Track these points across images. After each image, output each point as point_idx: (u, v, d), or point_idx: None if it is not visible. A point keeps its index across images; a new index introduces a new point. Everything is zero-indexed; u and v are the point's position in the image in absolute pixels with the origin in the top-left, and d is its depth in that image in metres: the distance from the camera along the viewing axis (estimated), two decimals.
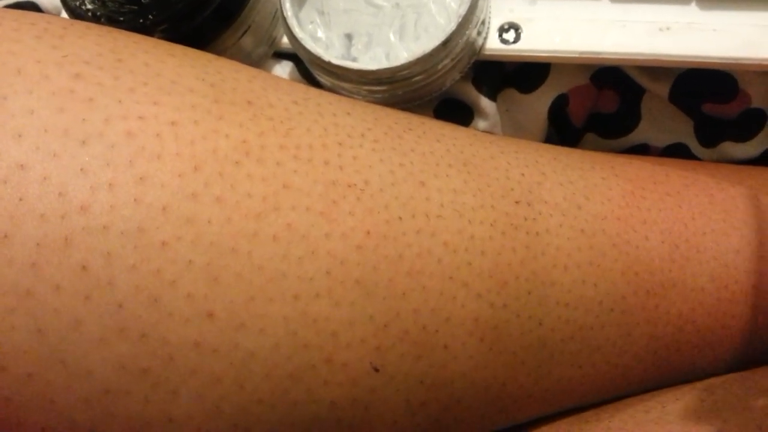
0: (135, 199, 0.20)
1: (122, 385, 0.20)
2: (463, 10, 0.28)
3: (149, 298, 0.20)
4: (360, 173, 0.24)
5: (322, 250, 0.22)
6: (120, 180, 0.20)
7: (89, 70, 0.22)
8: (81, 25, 0.24)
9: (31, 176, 0.20)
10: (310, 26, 0.30)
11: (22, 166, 0.20)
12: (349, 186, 0.23)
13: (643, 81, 0.32)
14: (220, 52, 0.29)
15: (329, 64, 0.28)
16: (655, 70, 0.32)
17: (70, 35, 0.23)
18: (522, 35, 0.30)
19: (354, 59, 0.30)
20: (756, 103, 0.32)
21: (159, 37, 0.27)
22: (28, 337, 0.20)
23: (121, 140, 0.21)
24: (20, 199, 0.20)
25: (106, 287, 0.20)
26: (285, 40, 0.32)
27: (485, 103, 0.32)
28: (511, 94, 0.33)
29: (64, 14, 0.31)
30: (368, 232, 0.23)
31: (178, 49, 0.25)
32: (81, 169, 0.20)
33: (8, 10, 0.24)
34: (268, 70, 0.32)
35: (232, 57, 0.28)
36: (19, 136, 0.20)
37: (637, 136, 0.34)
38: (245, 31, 0.30)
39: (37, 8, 0.35)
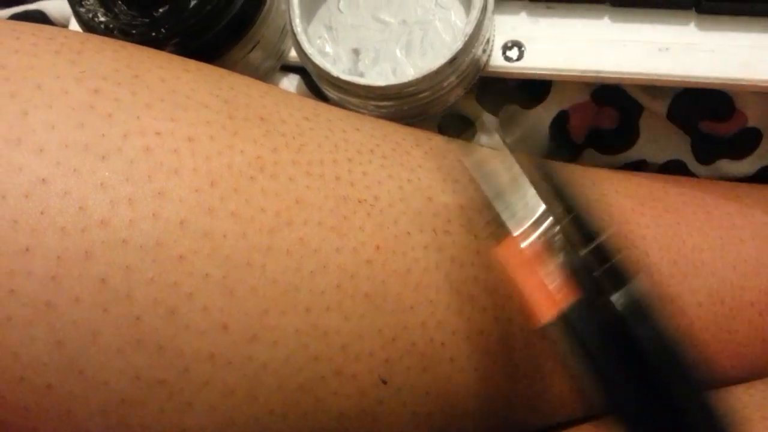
0: (153, 214, 0.21)
1: (138, 396, 0.21)
2: (469, 29, 0.28)
3: (166, 310, 0.21)
4: (370, 189, 0.24)
5: (333, 264, 0.23)
6: (139, 195, 0.21)
7: (107, 85, 0.22)
8: (97, 40, 0.25)
9: (53, 190, 0.20)
10: (318, 41, 0.31)
11: (43, 180, 0.20)
12: (360, 201, 0.24)
13: (642, 99, 0.33)
14: (229, 66, 0.29)
15: (337, 79, 0.29)
16: (654, 88, 0.33)
17: (88, 50, 0.24)
18: (525, 53, 0.31)
19: (361, 74, 0.30)
20: (752, 122, 0.32)
21: (170, 51, 0.28)
22: (47, 348, 0.20)
23: (140, 156, 0.21)
24: (42, 213, 0.20)
25: (124, 300, 0.20)
26: (293, 53, 0.32)
27: (488, 118, 0.32)
28: (514, 109, 0.33)
29: (73, 25, 0.31)
30: (378, 247, 0.24)
31: (192, 65, 0.26)
32: (101, 184, 0.21)
33: (26, 24, 0.24)
34: (275, 83, 0.33)
35: (241, 70, 0.29)
36: (41, 150, 0.21)
37: (635, 153, 0.34)
38: (255, 46, 0.30)
39: (45, 18, 0.35)
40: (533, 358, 0.26)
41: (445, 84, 0.29)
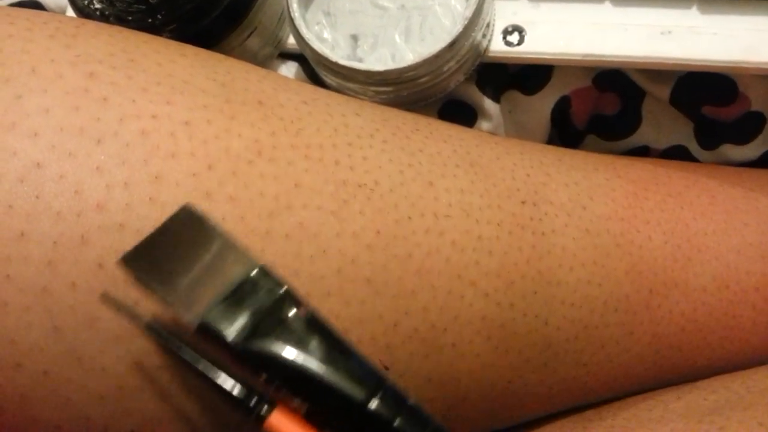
0: (150, 198, 0.21)
1: (137, 382, 0.20)
2: (469, 13, 0.28)
3: None
4: (370, 173, 0.24)
5: (333, 249, 0.23)
6: (135, 179, 0.21)
7: (103, 69, 0.22)
8: (92, 25, 0.25)
9: (48, 174, 0.20)
10: (317, 27, 0.31)
11: (38, 164, 0.20)
12: (360, 186, 0.24)
13: (644, 83, 0.33)
14: (226, 53, 0.29)
15: (336, 64, 0.28)
16: (656, 72, 0.32)
17: (83, 34, 0.23)
18: (526, 38, 0.31)
19: (360, 60, 0.30)
20: (755, 106, 0.32)
21: (167, 37, 0.27)
22: (44, 334, 0.20)
23: (136, 139, 0.21)
24: (37, 197, 0.20)
25: (121, 284, 0.20)
26: (290, 41, 0.32)
27: (489, 104, 0.32)
28: (515, 95, 0.33)
29: (70, 13, 0.31)
30: (378, 232, 0.23)
31: (189, 50, 0.25)
32: (97, 168, 0.20)
33: (20, 10, 0.24)
34: (273, 70, 0.33)
35: (238, 57, 0.28)
36: (35, 134, 0.20)
37: (637, 138, 0.34)
38: (252, 32, 0.30)
39: (41, 7, 0.35)
40: (536, 343, 0.26)
41: (445, 69, 0.29)
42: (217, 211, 0.21)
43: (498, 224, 0.25)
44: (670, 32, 0.30)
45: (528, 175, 0.27)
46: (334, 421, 0.19)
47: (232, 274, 0.20)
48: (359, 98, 0.30)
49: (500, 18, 0.31)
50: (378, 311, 0.23)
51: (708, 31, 0.30)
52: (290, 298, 0.20)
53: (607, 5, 0.31)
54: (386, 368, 0.23)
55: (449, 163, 0.26)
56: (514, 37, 0.31)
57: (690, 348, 0.29)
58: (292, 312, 0.20)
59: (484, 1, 0.29)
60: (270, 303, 0.20)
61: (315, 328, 0.20)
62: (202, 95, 0.23)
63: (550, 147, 0.31)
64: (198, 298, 0.19)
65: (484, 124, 0.32)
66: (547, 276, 0.26)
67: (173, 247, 0.20)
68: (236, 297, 0.20)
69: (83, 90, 0.21)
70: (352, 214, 0.23)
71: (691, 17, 0.30)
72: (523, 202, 0.26)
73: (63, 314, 0.20)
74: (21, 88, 0.21)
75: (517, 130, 0.34)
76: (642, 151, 0.35)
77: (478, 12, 0.28)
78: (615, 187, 0.29)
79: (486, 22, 0.29)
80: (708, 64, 0.30)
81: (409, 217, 0.24)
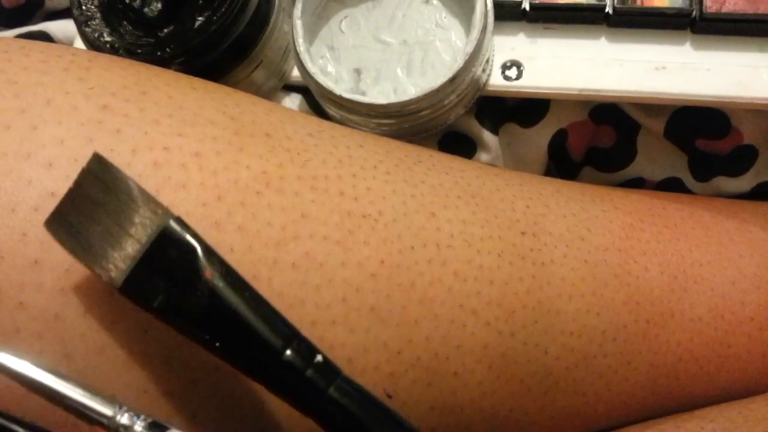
0: None
1: (145, 409, 0.21)
2: (469, 49, 0.29)
3: None
4: (374, 204, 0.25)
5: (338, 278, 0.23)
6: None
7: (115, 101, 0.23)
8: (105, 58, 0.25)
9: None
10: (321, 61, 0.31)
11: (52, 194, 0.20)
12: (364, 216, 0.24)
13: (639, 117, 0.34)
14: (233, 85, 0.30)
15: (340, 97, 0.29)
16: (651, 106, 0.33)
17: (96, 67, 0.24)
18: (524, 73, 0.32)
19: (363, 93, 0.31)
20: (748, 139, 0.33)
21: (176, 70, 0.28)
22: (55, 361, 0.20)
23: (148, 170, 0.22)
24: None
25: (132, 313, 0.20)
26: (295, 73, 0.32)
27: (488, 136, 0.33)
28: (513, 128, 0.34)
29: (78, 44, 0.32)
30: (382, 261, 0.24)
31: (199, 83, 0.26)
32: None
33: (35, 42, 0.25)
34: (277, 102, 0.33)
35: (244, 90, 0.29)
36: (50, 165, 0.21)
37: (633, 170, 0.35)
38: (258, 65, 0.31)
39: (49, 39, 0.35)
40: (536, 372, 0.26)
41: (446, 102, 0.30)
42: (226, 241, 0.22)
43: (499, 254, 0.26)
44: (664, 68, 0.31)
45: (527, 207, 0.28)
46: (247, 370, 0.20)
47: (149, 227, 0.20)
48: (362, 130, 0.30)
49: (499, 53, 0.32)
50: (382, 339, 0.23)
51: (701, 67, 0.31)
52: (206, 252, 0.20)
53: (603, 41, 0.32)
54: (389, 396, 0.24)
55: (451, 194, 0.27)
56: (512, 72, 0.32)
57: (687, 377, 0.29)
58: (207, 268, 0.20)
59: (484, 38, 0.29)
60: (187, 258, 0.20)
61: (231, 282, 0.20)
62: (212, 127, 0.24)
63: (548, 179, 0.32)
64: (118, 255, 0.20)
65: (483, 156, 0.33)
66: (546, 305, 0.26)
67: (92, 204, 0.20)
68: (155, 253, 0.20)
69: (97, 122, 0.22)
70: (357, 243, 0.24)
71: (685, 54, 0.31)
72: (523, 233, 0.27)
73: (74, 341, 0.20)
74: (37, 119, 0.22)
75: (515, 162, 0.34)
76: (637, 183, 0.35)
77: (478, 48, 0.29)
78: (612, 218, 0.29)
79: (486, 57, 0.30)
80: (701, 98, 0.31)
81: (412, 247, 0.24)
